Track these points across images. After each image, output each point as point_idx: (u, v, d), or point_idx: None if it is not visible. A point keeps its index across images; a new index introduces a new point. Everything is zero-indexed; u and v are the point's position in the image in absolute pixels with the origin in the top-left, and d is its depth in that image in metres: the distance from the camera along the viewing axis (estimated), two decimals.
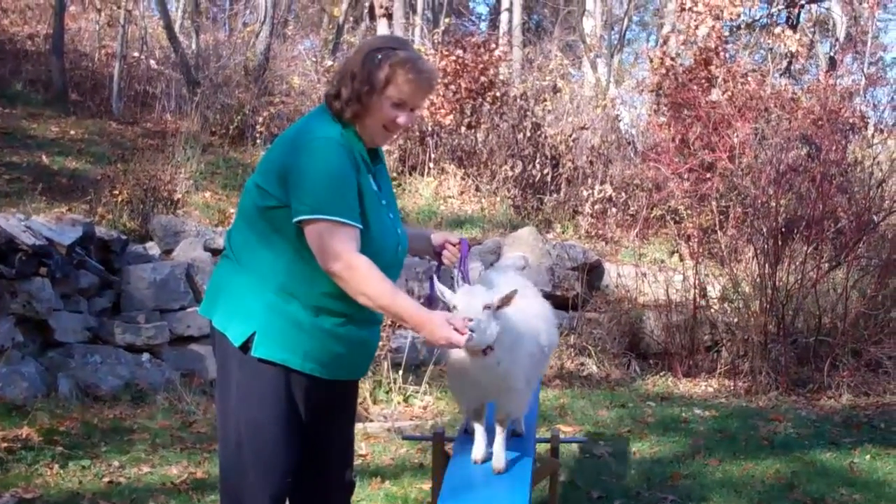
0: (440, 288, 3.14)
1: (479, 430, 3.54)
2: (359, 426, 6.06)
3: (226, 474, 3.07)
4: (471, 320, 2.92)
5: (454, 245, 3.40)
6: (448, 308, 3.04)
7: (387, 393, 6.85)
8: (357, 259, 2.83)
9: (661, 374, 8.46)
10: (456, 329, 2.87)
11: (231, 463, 3.05)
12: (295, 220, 2.85)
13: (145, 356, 7.06)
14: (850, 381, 7.96)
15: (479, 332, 2.95)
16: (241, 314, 2.98)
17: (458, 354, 3.19)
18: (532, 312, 3.45)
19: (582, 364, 8.48)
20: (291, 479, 3.08)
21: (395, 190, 10.16)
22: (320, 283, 2.92)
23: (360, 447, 5.74)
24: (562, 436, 4.12)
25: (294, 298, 2.94)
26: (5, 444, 5.27)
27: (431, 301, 3.23)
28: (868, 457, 5.80)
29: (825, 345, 8.29)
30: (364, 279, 2.84)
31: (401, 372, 6.96)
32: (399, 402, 6.81)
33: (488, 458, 3.50)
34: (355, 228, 2.86)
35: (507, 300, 3.04)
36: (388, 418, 6.44)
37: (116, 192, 8.58)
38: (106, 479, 5.01)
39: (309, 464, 3.19)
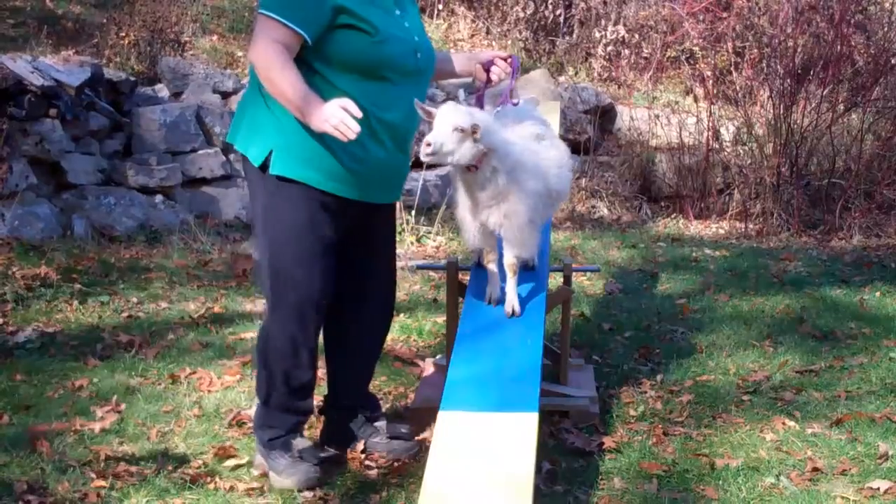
0: (422, 107, 3.11)
1: (491, 269, 3.55)
2: None
3: (263, 292, 3.34)
4: (428, 144, 2.99)
5: (505, 60, 3.45)
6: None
7: (399, 233, 6.88)
8: (270, 47, 2.94)
9: (673, 216, 8.48)
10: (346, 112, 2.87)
11: (262, 283, 3.29)
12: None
13: (158, 198, 7.08)
14: (862, 223, 7.98)
15: (439, 148, 3.00)
16: (259, 134, 3.09)
17: (457, 180, 3.32)
18: (545, 155, 3.45)
19: (593, 207, 8.49)
20: (322, 303, 3.21)
21: None
22: (331, 95, 2.96)
23: None
24: (574, 265, 4.15)
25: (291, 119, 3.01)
26: (24, 282, 5.34)
27: (514, 74, 3.46)
28: (878, 294, 5.85)
29: (838, 187, 8.27)
30: (270, 65, 2.93)
31: (413, 213, 6.97)
32: (412, 243, 6.85)
33: (502, 298, 3.54)
34: (290, 30, 2.95)
35: (474, 129, 3.06)
36: (401, 258, 6.48)
37: (123, 34, 8.43)
38: (125, 314, 5.10)
39: (347, 293, 3.34)
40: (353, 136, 2.87)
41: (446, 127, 3.01)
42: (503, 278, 3.51)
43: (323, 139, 3.00)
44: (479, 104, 3.40)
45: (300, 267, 3.14)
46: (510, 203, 3.24)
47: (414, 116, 3.16)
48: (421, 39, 3.19)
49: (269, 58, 2.92)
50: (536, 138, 3.47)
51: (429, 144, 2.97)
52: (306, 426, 3.50)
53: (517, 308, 3.49)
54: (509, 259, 3.42)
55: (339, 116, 2.86)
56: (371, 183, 3.15)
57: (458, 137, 3.02)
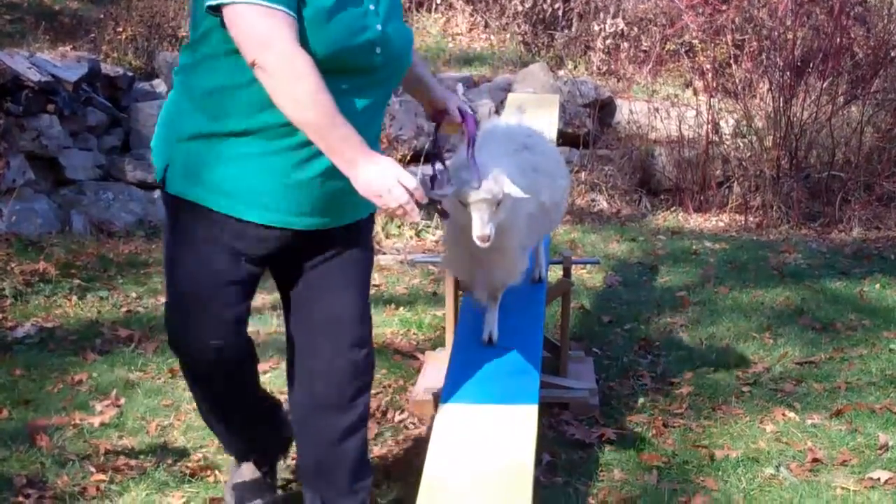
0: (442, 188, 2.66)
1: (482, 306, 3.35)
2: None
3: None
4: (487, 237, 2.70)
5: (458, 122, 2.85)
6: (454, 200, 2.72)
7: (398, 227, 6.88)
8: (295, 51, 2.22)
9: (672, 209, 8.47)
10: (411, 194, 2.28)
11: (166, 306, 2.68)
12: (207, 4, 2.26)
13: (157, 193, 7.07)
14: (862, 215, 7.98)
15: (493, 229, 2.72)
16: (161, 144, 2.53)
17: (461, 220, 2.81)
18: (533, 166, 3.10)
19: (593, 200, 8.48)
20: (228, 361, 2.61)
21: None
22: (240, 95, 2.35)
23: (374, 278, 5.80)
24: (574, 258, 4.14)
25: (211, 120, 2.39)
26: (23, 278, 5.33)
27: (435, 182, 2.67)
28: (877, 286, 5.84)
29: (837, 179, 8.26)
30: (298, 78, 2.21)
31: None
32: (411, 237, 6.85)
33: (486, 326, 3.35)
34: (287, 15, 2.24)
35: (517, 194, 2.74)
36: (400, 251, 6.48)
37: (120, 29, 8.42)
38: (124, 309, 5.09)
39: (297, 336, 2.69)
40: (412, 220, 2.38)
41: (489, 208, 2.69)
42: (486, 306, 3.30)
43: (224, 153, 2.39)
44: (476, 170, 2.72)
45: (196, 312, 2.55)
46: (504, 238, 2.91)
47: (371, 124, 2.49)
48: (391, 32, 2.46)
49: (299, 70, 2.21)
50: (524, 149, 3.15)
51: (487, 238, 2.69)
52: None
53: (495, 336, 3.29)
54: (491, 286, 3.21)
55: (400, 198, 2.27)
56: (287, 202, 2.44)
57: (499, 207, 2.74)
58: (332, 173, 2.35)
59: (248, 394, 2.85)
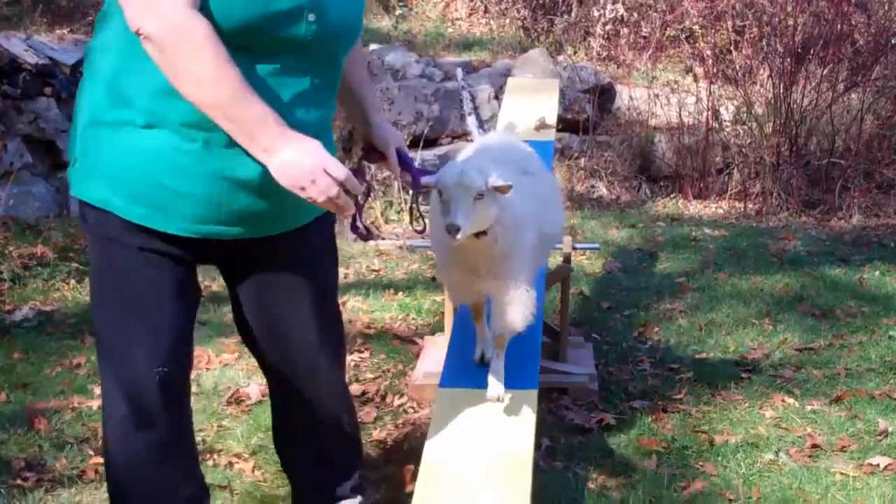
0: (426, 183, 2.37)
1: (479, 329, 3.04)
2: (371, 244, 6.11)
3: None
4: (457, 230, 2.25)
5: (395, 170, 2.43)
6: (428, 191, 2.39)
7: (398, 213, 6.87)
8: (190, 17, 1.81)
9: (672, 196, 8.45)
10: (341, 185, 1.93)
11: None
12: None
13: None
14: (862, 203, 7.97)
15: (468, 230, 2.29)
16: (71, 139, 2.12)
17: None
18: (532, 192, 2.72)
19: (592, 186, 8.46)
20: (159, 392, 2.15)
21: (399, 12, 9.78)
22: (145, 76, 1.92)
23: (374, 262, 5.79)
24: (575, 244, 4.13)
25: (114, 107, 1.97)
26: (21, 261, 5.32)
27: (416, 180, 2.39)
28: (877, 273, 5.83)
29: (837, 167, 8.25)
30: (195, 49, 1.80)
31: (410, 192, 6.93)
32: (410, 222, 6.82)
33: (483, 359, 3.02)
34: None
35: (503, 189, 2.35)
36: (399, 237, 6.47)
37: None
38: None
39: (269, 368, 2.45)
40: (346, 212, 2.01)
41: (467, 196, 2.29)
42: (491, 349, 2.88)
43: (134, 146, 1.96)
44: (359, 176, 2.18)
45: (116, 335, 2.15)
46: (509, 265, 2.58)
47: (312, 115, 2.06)
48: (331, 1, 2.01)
49: (195, 39, 1.80)
50: (523, 174, 2.74)
51: (457, 230, 2.24)
52: None
53: (503, 394, 2.78)
54: (498, 331, 2.75)
55: (326, 190, 1.91)
56: (208, 208, 2.02)
57: (481, 205, 2.32)
58: (245, 175, 2.02)
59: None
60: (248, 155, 1.93)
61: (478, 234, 2.39)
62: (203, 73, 1.82)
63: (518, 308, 2.67)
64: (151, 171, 1.96)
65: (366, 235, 2.30)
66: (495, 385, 2.77)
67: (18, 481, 3.07)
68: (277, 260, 2.24)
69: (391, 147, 2.38)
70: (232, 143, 1.93)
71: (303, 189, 1.90)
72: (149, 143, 1.95)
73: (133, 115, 1.95)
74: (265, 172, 1.94)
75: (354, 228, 2.23)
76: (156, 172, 1.97)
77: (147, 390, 2.13)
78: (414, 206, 2.45)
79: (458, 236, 2.25)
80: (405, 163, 2.42)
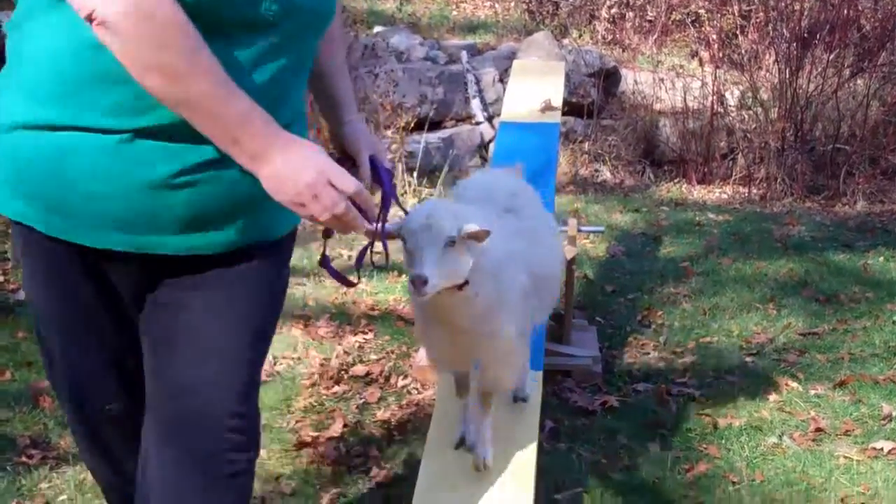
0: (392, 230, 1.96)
1: (462, 406, 2.63)
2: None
3: None
4: (423, 282, 1.88)
5: (365, 179, 1.94)
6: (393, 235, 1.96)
7: (402, 195, 6.86)
8: None
9: (676, 180, 8.43)
10: (357, 205, 1.64)
11: None
12: None
13: None
14: (866, 189, 7.94)
15: (437, 282, 1.91)
16: None
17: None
18: (518, 230, 2.40)
19: (596, 171, 8.45)
20: (102, 409, 1.88)
21: None
22: (77, 65, 1.57)
23: (377, 244, 5.78)
24: (580, 227, 4.13)
25: (38, 103, 1.60)
26: None
27: (386, 200, 1.95)
28: (881, 259, 5.82)
29: (842, 153, 8.23)
30: (165, 36, 1.48)
31: (415, 175, 6.94)
32: (415, 205, 6.82)
33: (471, 443, 2.55)
34: None
35: (480, 235, 1.98)
36: (402, 218, 6.45)
37: None
38: None
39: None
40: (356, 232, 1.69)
41: (436, 243, 1.93)
42: (473, 416, 2.55)
43: (42, 147, 1.60)
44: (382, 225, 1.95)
45: (51, 343, 1.86)
46: (494, 320, 2.23)
47: (282, 103, 1.69)
48: None
49: (163, 20, 1.48)
50: (506, 212, 2.44)
51: (423, 282, 1.87)
52: None
53: (489, 461, 2.46)
54: (484, 387, 2.46)
55: (332, 206, 1.60)
56: (114, 212, 1.63)
57: (452, 254, 1.95)
58: (221, 166, 1.63)
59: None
60: (198, 144, 1.58)
61: (456, 287, 2.01)
62: (174, 62, 1.49)
63: (507, 365, 2.39)
64: (67, 175, 1.59)
65: (381, 263, 1.90)
66: (483, 448, 2.45)
67: (23, 458, 3.08)
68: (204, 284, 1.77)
69: (363, 153, 1.95)
70: (164, 136, 1.58)
71: (303, 206, 1.59)
72: (62, 143, 1.58)
73: (46, 111, 1.58)
74: (212, 163, 1.61)
75: (360, 259, 1.90)
76: (73, 177, 1.59)
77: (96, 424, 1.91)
78: (367, 250, 1.92)
79: (426, 290, 1.88)
80: (379, 176, 1.96)
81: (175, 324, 1.76)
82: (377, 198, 1.90)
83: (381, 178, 1.96)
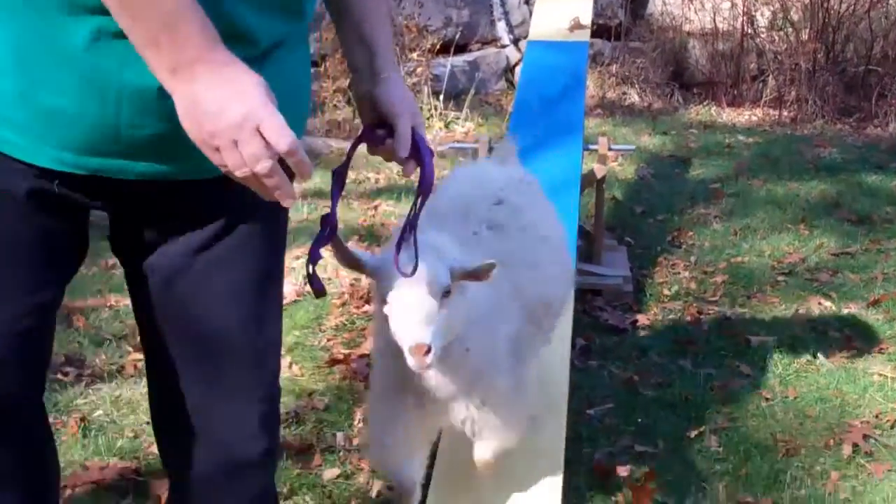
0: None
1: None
2: None
3: None
4: (427, 352, 1.56)
5: (400, 155, 1.51)
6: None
7: (428, 119, 6.80)
8: None
9: (705, 103, 8.31)
10: (288, 170, 1.24)
11: None
12: None
13: None
14: None
15: (441, 338, 1.61)
16: None
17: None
18: (514, 254, 1.97)
19: (624, 93, 8.33)
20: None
21: None
22: None
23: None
24: (611, 145, 4.08)
25: None
26: None
27: (426, 180, 1.54)
28: None
29: (874, 74, 8.07)
30: None
31: (441, 98, 6.87)
32: (440, 129, 6.77)
33: None
34: None
35: (482, 273, 1.65)
36: (430, 143, 6.41)
37: None
38: None
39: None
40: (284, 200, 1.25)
41: (431, 296, 1.59)
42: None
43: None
44: (338, 183, 1.54)
45: None
46: (485, 379, 1.84)
47: (267, 15, 1.34)
48: None
49: None
50: (490, 229, 2.02)
51: (427, 351, 1.55)
52: None
53: None
54: (486, 456, 2.07)
55: (253, 159, 1.20)
56: (135, 136, 1.32)
57: (449, 306, 1.63)
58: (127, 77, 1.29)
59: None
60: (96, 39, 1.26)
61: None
62: None
63: (508, 424, 1.95)
64: (10, 75, 1.29)
65: (319, 290, 1.49)
66: None
67: (59, 376, 3.11)
68: (200, 219, 1.47)
69: (402, 119, 1.50)
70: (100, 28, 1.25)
71: (216, 151, 1.20)
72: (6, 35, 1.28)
73: None
74: (127, 72, 1.27)
75: (310, 276, 1.48)
76: (17, 77, 1.28)
77: None
78: (405, 238, 1.55)
79: (429, 361, 1.56)
80: (419, 154, 1.51)
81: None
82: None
83: (421, 156, 1.52)
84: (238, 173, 1.21)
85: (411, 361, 1.57)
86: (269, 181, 1.21)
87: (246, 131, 1.18)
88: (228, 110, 1.17)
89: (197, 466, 1.61)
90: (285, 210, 1.55)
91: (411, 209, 1.55)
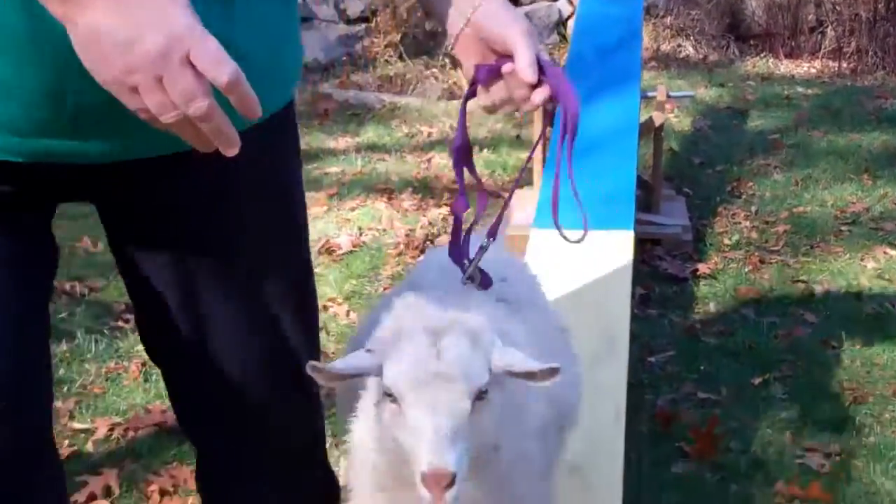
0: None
1: None
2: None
3: None
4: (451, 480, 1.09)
5: (527, 83, 1.19)
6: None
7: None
8: None
9: (762, 55, 8.13)
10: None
11: None
12: None
13: None
14: None
15: (468, 460, 1.14)
16: None
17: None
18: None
19: (679, 46, 8.18)
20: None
21: None
22: None
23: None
24: (669, 92, 4.00)
25: None
26: None
27: (574, 130, 1.28)
28: None
29: None
30: None
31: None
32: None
33: None
34: None
35: (538, 377, 1.18)
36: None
37: None
38: None
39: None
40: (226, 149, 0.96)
41: (460, 405, 1.14)
42: None
43: None
44: (460, 157, 1.40)
45: None
46: (517, 488, 1.34)
47: None
48: None
49: None
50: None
51: (450, 483, 1.09)
52: None
53: None
54: None
55: (182, 97, 0.90)
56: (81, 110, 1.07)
57: (482, 412, 1.18)
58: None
59: None
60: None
61: None
62: None
63: None
64: None
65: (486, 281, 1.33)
66: None
67: (119, 323, 3.13)
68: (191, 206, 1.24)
69: (520, 39, 1.18)
70: None
71: (133, 92, 0.92)
72: None
73: None
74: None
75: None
76: None
77: None
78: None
79: (450, 498, 1.09)
80: (546, 74, 1.19)
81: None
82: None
83: (554, 84, 1.19)
84: (165, 118, 0.92)
85: (425, 495, 1.10)
86: (207, 125, 0.92)
87: (173, 63, 0.89)
88: (147, 37, 0.88)
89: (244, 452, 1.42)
90: (295, 184, 1.34)
91: (561, 152, 1.21)
